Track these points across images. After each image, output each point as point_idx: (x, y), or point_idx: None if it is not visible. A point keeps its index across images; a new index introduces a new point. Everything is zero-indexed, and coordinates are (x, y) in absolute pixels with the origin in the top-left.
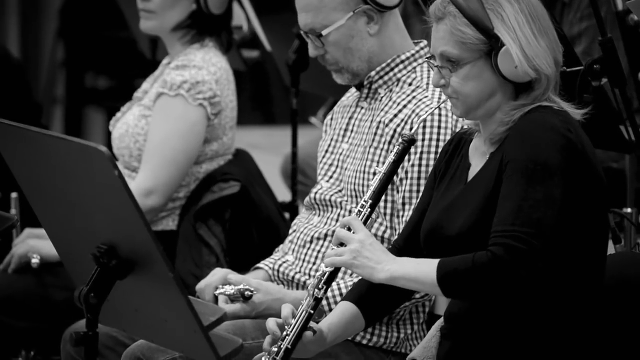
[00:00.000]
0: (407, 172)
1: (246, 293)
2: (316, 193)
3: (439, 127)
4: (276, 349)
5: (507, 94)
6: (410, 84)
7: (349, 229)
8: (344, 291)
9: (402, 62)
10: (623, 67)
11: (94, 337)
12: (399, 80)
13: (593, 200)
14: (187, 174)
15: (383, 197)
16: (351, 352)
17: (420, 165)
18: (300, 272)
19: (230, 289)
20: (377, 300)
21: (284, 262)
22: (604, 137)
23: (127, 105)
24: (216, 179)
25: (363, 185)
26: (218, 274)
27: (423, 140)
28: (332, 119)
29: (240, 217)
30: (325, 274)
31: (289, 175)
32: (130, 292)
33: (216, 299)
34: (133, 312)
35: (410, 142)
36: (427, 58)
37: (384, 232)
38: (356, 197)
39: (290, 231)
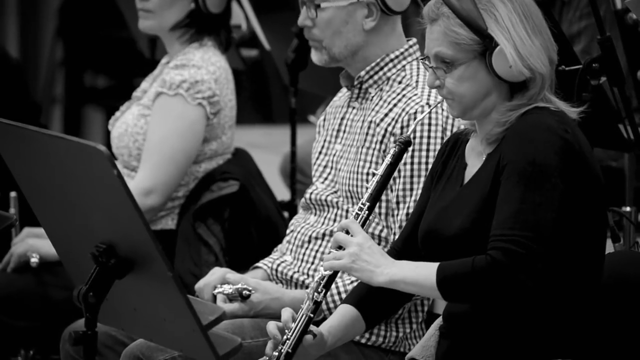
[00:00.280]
0: (399, 171)
1: (244, 292)
2: (311, 193)
3: (429, 125)
4: (277, 353)
5: (502, 94)
6: (400, 82)
7: (347, 232)
8: (342, 289)
9: (391, 60)
10: (622, 65)
11: (92, 336)
12: (388, 78)
13: (591, 200)
14: (186, 173)
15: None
16: (350, 351)
17: (412, 163)
18: (298, 271)
19: (228, 288)
20: (377, 302)
21: (282, 262)
22: (602, 135)
23: (125, 104)
24: (215, 178)
25: (357, 186)
26: (217, 273)
27: (414, 138)
28: (324, 120)
29: (239, 216)
30: (324, 277)
31: (287, 174)
32: (129, 291)
33: (215, 298)
34: (132, 311)
35: (406, 143)
36: (421, 59)
37: (380, 231)
38: (351, 197)
39: (288, 231)
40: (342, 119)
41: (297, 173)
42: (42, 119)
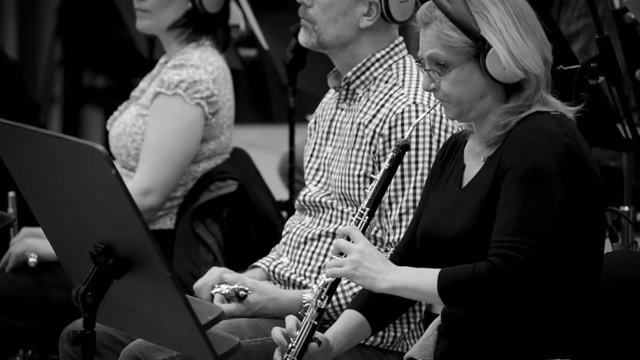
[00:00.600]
0: None
1: (240, 293)
2: (304, 195)
3: (417, 124)
4: None
5: (497, 95)
6: (387, 82)
7: (348, 238)
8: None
9: (378, 60)
10: (620, 65)
11: (91, 335)
12: (375, 78)
13: (591, 201)
14: (184, 173)
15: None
16: (349, 351)
17: (402, 163)
18: (295, 272)
19: (225, 288)
20: (381, 306)
21: (279, 264)
22: (601, 135)
23: (124, 104)
24: (213, 178)
25: (349, 189)
26: (215, 272)
27: (402, 138)
28: (315, 122)
29: (237, 215)
30: (327, 284)
31: (286, 173)
32: (127, 291)
33: (212, 298)
34: (130, 311)
35: (404, 148)
36: (416, 62)
37: (376, 231)
38: (344, 200)
39: (283, 232)
40: (332, 120)
41: (295, 173)
42: (41, 118)
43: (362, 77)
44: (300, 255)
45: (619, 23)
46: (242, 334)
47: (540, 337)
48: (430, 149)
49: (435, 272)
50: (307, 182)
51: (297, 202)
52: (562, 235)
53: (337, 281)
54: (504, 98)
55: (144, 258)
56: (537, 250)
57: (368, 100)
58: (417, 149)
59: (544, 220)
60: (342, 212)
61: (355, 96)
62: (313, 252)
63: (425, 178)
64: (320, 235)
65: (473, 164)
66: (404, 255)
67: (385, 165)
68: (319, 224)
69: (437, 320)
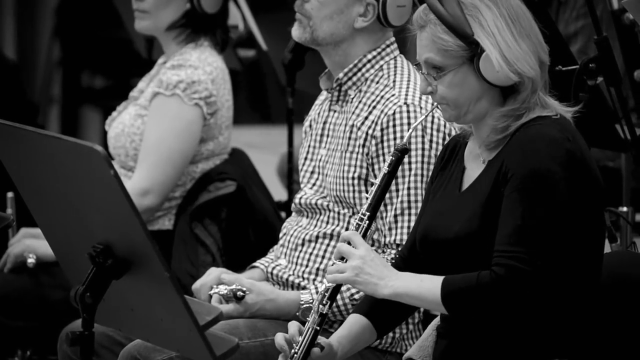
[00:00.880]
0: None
1: (238, 293)
2: (300, 198)
3: (409, 124)
4: None
5: (494, 98)
6: (378, 82)
7: (349, 243)
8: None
9: (369, 61)
10: (618, 65)
11: (89, 336)
12: (366, 79)
13: (592, 204)
14: (182, 173)
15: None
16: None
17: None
18: (293, 274)
19: (223, 289)
20: (387, 310)
21: (277, 265)
22: (599, 135)
23: (122, 104)
24: (212, 178)
25: (344, 191)
26: (213, 273)
27: (394, 139)
28: (309, 126)
29: (236, 216)
30: (329, 289)
31: (285, 174)
32: (126, 292)
33: (210, 298)
34: (129, 312)
35: (403, 152)
36: (414, 65)
37: (372, 233)
38: (340, 202)
39: (281, 234)
40: (325, 123)
41: (294, 173)
42: (39, 119)
43: (354, 78)
44: (298, 257)
45: (617, 24)
46: (240, 335)
47: (540, 337)
48: (423, 149)
49: (439, 279)
50: (302, 185)
51: (293, 205)
52: (565, 241)
53: (338, 286)
54: (500, 101)
55: (143, 259)
56: (541, 260)
57: (360, 102)
58: (409, 150)
59: (547, 229)
60: (338, 213)
61: (347, 97)
62: (311, 253)
63: (419, 178)
64: (317, 237)
65: (473, 166)
66: (407, 259)
67: (384, 169)
68: (316, 226)
69: (435, 321)
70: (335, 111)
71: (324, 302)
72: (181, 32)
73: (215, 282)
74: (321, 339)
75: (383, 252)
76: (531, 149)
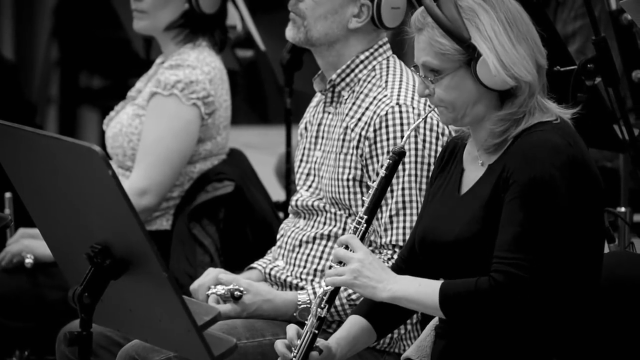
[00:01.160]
0: (377, 174)
1: (235, 293)
2: (297, 200)
3: (401, 125)
4: None
5: (491, 102)
6: (370, 82)
7: (346, 247)
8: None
9: (362, 61)
10: (616, 66)
11: (88, 336)
12: (359, 79)
13: (593, 208)
14: (180, 174)
15: (360, 202)
16: None
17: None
18: (291, 275)
19: (220, 289)
20: (386, 311)
21: (275, 267)
22: (597, 136)
23: (120, 104)
24: (210, 179)
25: (340, 193)
26: (211, 273)
27: (387, 139)
28: (305, 128)
29: (234, 216)
30: (327, 292)
31: (283, 174)
32: (124, 292)
33: (207, 298)
34: (127, 312)
35: (400, 154)
36: (411, 67)
37: (369, 235)
38: (336, 204)
39: (278, 235)
40: (319, 125)
41: (292, 173)
42: (37, 119)
43: (347, 79)
44: (296, 258)
45: (615, 24)
46: (238, 335)
47: (538, 337)
48: (416, 149)
49: (437, 284)
50: (298, 187)
51: (290, 207)
52: (566, 248)
53: (336, 290)
54: (498, 105)
55: (141, 259)
56: (540, 267)
57: (353, 103)
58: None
59: (547, 236)
60: (334, 214)
61: (341, 98)
62: (308, 254)
63: (413, 179)
64: (315, 238)
65: (472, 169)
66: (408, 260)
67: (382, 172)
68: (313, 227)
69: (434, 321)
70: (329, 113)
71: (322, 305)
72: (179, 32)
73: (213, 283)
74: (320, 341)
75: (380, 252)
76: (533, 156)
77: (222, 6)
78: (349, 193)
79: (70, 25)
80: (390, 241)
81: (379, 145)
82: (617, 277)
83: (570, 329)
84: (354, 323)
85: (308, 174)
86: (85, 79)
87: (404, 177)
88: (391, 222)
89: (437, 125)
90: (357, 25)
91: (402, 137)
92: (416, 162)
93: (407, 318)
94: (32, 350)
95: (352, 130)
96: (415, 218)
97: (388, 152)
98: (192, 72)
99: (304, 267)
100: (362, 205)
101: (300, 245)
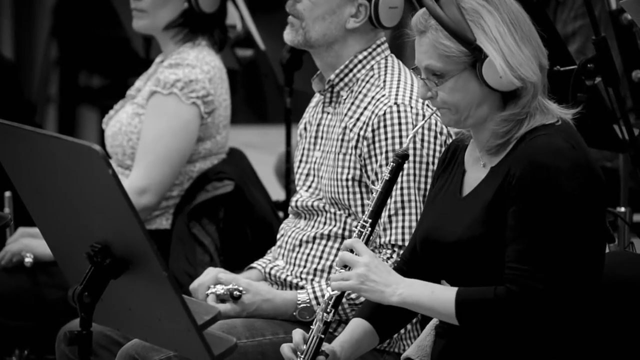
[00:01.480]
0: (376, 174)
1: (235, 293)
2: (296, 201)
3: (399, 125)
4: None
5: (494, 103)
6: (368, 82)
7: (351, 251)
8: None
9: (360, 61)
10: (616, 65)
11: (87, 335)
12: (358, 79)
13: (598, 210)
14: (180, 173)
15: (360, 202)
16: None
17: (387, 165)
18: (291, 274)
19: (220, 289)
20: (389, 314)
21: (275, 266)
22: (597, 136)
23: (120, 102)
24: (210, 178)
25: (339, 193)
26: (211, 273)
27: (386, 139)
28: (304, 129)
29: (234, 216)
30: (332, 297)
31: (282, 174)
32: (124, 291)
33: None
34: (127, 311)
35: (403, 157)
36: (412, 69)
37: (374, 239)
38: (335, 204)
39: (278, 235)
40: (319, 125)
41: (292, 173)
42: (37, 118)
43: (346, 79)
44: (296, 258)
45: (615, 24)
46: (238, 335)
47: (539, 337)
48: (415, 148)
49: (452, 291)
50: (297, 188)
51: (290, 208)
52: (576, 253)
53: (342, 294)
54: (501, 105)
55: (141, 258)
56: (555, 276)
57: (352, 103)
58: (409, 155)
59: (559, 244)
60: (334, 214)
61: (339, 99)
62: (308, 254)
63: (411, 178)
64: (315, 238)
65: (473, 170)
66: (409, 261)
67: (385, 175)
68: (313, 227)
69: (434, 321)
70: (328, 113)
71: (328, 310)
72: (179, 32)
73: (212, 282)
74: (325, 346)
75: (379, 252)
76: (539, 163)
77: (221, 5)
78: (348, 193)
79: (70, 24)
80: (390, 241)
81: (377, 145)
82: (616, 277)
83: (570, 328)
84: (356, 326)
85: (307, 174)
86: (84, 78)
87: (402, 176)
88: (390, 222)
89: (436, 125)
90: (355, 25)
91: (400, 136)
92: (415, 162)
93: (409, 320)
94: (32, 349)
95: (351, 130)
96: (414, 217)
97: (386, 152)
98: (192, 71)
99: (304, 267)
100: (365, 208)
101: (300, 245)
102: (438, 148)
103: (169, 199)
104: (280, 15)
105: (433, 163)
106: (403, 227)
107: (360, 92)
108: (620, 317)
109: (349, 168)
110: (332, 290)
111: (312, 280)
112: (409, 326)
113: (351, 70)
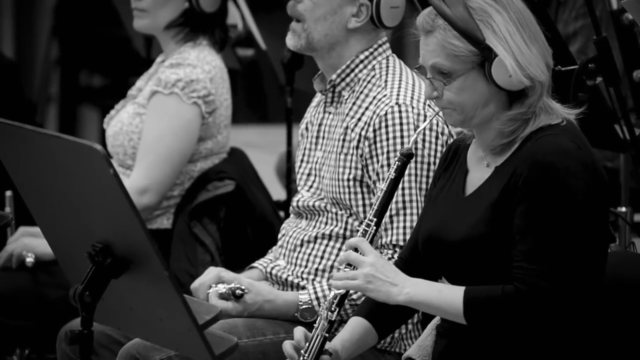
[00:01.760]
0: (377, 174)
1: (237, 292)
2: (298, 201)
3: (400, 125)
4: None
5: (501, 102)
6: (369, 82)
7: (356, 250)
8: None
9: (362, 61)
10: (617, 65)
11: (88, 335)
12: (359, 79)
13: (602, 210)
14: (181, 172)
15: (361, 202)
16: None
17: (389, 165)
18: (292, 274)
19: (222, 288)
20: (388, 312)
21: (276, 266)
22: (598, 135)
23: (121, 102)
24: (211, 178)
25: (340, 193)
26: (212, 272)
27: (387, 139)
28: (305, 129)
29: (234, 215)
30: (337, 296)
31: (283, 173)
32: (125, 291)
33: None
34: (128, 311)
35: (408, 156)
36: (415, 68)
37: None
38: (337, 204)
39: (279, 235)
40: (320, 125)
41: (292, 173)
42: (38, 118)
43: (347, 79)
44: (297, 258)
45: (616, 24)
46: (239, 334)
47: (539, 337)
48: (416, 149)
49: (459, 290)
50: (299, 188)
51: (291, 208)
52: (583, 253)
53: (347, 293)
54: (507, 105)
55: (142, 257)
56: (563, 275)
57: (354, 103)
58: (414, 154)
59: (567, 243)
60: (336, 214)
61: (341, 99)
62: (309, 254)
63: (413, 178)
64: (316, 237)
65: (477, 170)
66: (409, 260)
67: (390, 174)
68: (315, 227)
69: (435, 321)
70: (330, 113)
71: (332, 309)
72: (180, 31)
73: (214, 281)
74: (327, 346)
75: (380, 252)
76: (546, 163)
77: (222, 5)
78: (349, 193)
79: (71, 23)
80: (391, 241)
81: (378, 145)
82: (617, 277)
83: (570, 328)
84: (356, 325)
85: (309, 174)
86: (85, 77)
87: (404, 176)
88: (391, 222)
89: (437, 125)
90: (357, 25)
91: (401, 136)
92: (416, 162)
93: (407, 318)
94: (33, 348)
95: (352, 130)
96: (415, 218)
97: (388, 152)
98: (193, 70)
99: (305, 267)
100: (366, 208)
101: (301, 245)
102: (439, 148)
103: (170, 198)
104: (281, 14)
105: (434, 163)
106: (404, 228)
107: (361, 92)
108: (621, 317)
109: (350, 168)
110: (338, 290)
111: (314, 280)
112: (410, 326)
113: (352, 70)
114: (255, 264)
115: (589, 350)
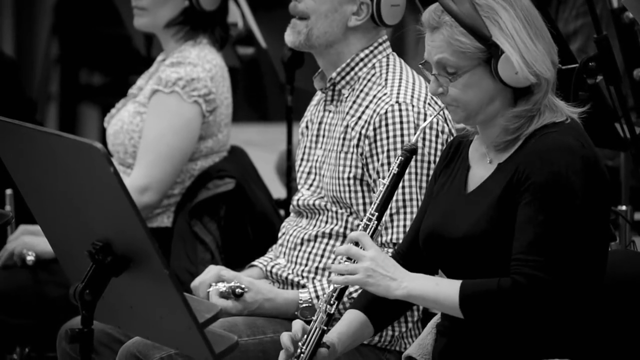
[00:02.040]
0: (378, 172)
1: (237, 290)
2: (298, 200)
3: (401, 123)
4: None
5: (506, 99)
6: (370, 80)
7: (356, 244)
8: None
9: (362, 59)
10: (618, 64)
11: (89, 333)
12: (359, 77)
13: (604, 208)
14: (181, 171)
15: (362, 201)
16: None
17: (389, 164)
18: (292, 273)
19: (222, 286)
20: (384, 306)
21: (276, 264)
22: (599, 134)
23: (121, 101)
24: (211, 176)
25: (341, 192)
26: (212, 270)
27: (387, 138)
28: (306, 127)
29: (235, 213)
30: (336, 289)
31: (283, 172)
32: (125, 289)
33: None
34: (128, 309)
35: (412, 152)
36: (420, 64)
37: (379, 233)
38: (337, 202)
39: (280, 234)
40: (320, 123)
41: (293, 171)
42: (38, 116)
43: (347, 78)
44: (297, 257)
45: (617, 22)
46: (239, 333)
47: (539, 336)
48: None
49: (456, 283)
50: (299, 187)
51: (291, 207)
52: (582, 248)
53: (346, 286)
54: (512, 102)
55: (142, 256)
56: (561, 268)
57: (354, 102)
58: (417, 150)
59: (566, 238)
60: (336, 212)
61: (341, 97)
62: (310, 252)
63: (413, 177)
64: (316, 236)
65: (479, 166)
66: (406, 254)
67: (393, 169)
68: (315, 226)
69: (435, 319)
70: (330, 111)
71: (331, 302)
72: (180, 30)
73: (214, 280)
74: (324, 339)
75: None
76: (550, 159)
77: (222, 3)
78: (349, 192)
79: (71, 22)
80: (391, 239)
81: (378, 143)
82: (617, 275)
83: (571, 327)
84: (353, 318)
85: (309, 173)
86: (85, 76)
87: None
88: (392, 221)
89: (437, 123)
90: (357, 23)
91: (401, 135)
92: (416, 160)
93: (404, 312)
94: (33, 347)
95: (353, 128)
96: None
97: (388, 151)
98: (193, 69)
99: (306, 265)
100: (369, 206)
101: (302, 244)
102: (439, 147)
103: (170, 197)
104: (281, 13)
105: (434, 162)
106: (404, 226)
107: (361, 91)
108: (621, 316)
109: (350, 166)
110: (337, 283)
111: (314, 278)
112: (410, 324)
113: (353, 69)
114: (255, 263)
115: (589, 348)
